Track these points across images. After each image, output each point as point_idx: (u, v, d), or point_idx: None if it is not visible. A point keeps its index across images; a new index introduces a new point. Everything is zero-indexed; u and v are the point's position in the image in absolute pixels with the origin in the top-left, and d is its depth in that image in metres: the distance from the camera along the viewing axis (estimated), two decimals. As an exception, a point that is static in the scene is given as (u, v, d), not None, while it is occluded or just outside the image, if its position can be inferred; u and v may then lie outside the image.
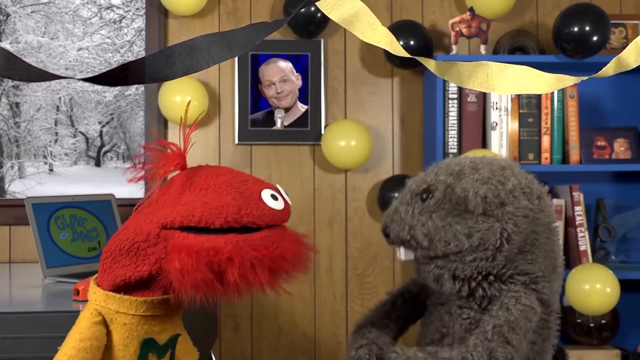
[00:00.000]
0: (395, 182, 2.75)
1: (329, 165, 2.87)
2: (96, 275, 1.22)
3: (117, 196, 2.45)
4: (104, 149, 2.85)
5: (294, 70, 2.86)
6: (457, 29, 2.69)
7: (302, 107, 2.86)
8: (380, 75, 2.91)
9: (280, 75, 2.85)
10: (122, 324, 1.19)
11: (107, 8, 2.82)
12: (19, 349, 1.55)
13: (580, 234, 2.68)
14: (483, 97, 2.71)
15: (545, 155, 2.70)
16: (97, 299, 1.19)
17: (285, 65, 2.86)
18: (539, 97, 2.71)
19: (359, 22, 1.20)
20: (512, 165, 1.52)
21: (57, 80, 2.85)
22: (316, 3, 1.17)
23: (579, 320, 2.78)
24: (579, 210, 2.68)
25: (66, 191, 2.79)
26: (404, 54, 1.23)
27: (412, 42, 2.72)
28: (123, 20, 2.83)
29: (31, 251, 2.70)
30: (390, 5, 2.91)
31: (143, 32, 2.82)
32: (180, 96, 2.68)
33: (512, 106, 2.70)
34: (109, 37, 2.82)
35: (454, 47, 2.70)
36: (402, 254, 1.51)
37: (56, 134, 2.81)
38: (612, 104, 2.92)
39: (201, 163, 1.27)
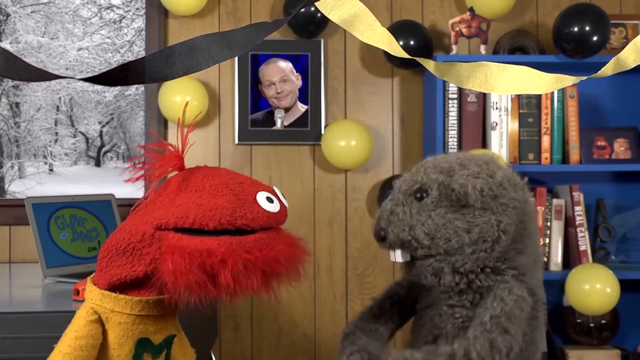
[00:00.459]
0: (395, 182, 2.75)
1: (329, 165, 2.87)
2: (93, 274, 1.23)
3: (117, 196, 2.45)
4: (104, 149, 2.85)
5: (294, 70, 2.86)
6: (457, 29, 2.69)
7: (302, 107, 2.86)
8: (380, 75, 2.91)
9: (280, 75, 2.85)
10: (117, 323, 1.19)
11: (107, 8, 2.82)
12: (19, 349, 1.55)
13: (580, 234, 2.68)
14: (483, 97, 2.71)
15: (545, 155, 2.70)
16: (94, 298, 1.20)
17: (285, 65, 2.86)
18: (539, 97, 2.71)
19: (358, 22, 1.20)
20: (493, 159, 1.54)
21: (57, 80, 2.85)
22: (316, 4, 1.17)
23: (579, 320, 2.78)
24: (579, 210, 2.68)
25: (66, 191, 2.79)
26: (403, 54, 1.23)
27: (412, 42, 2.72)
28: (123, 20, 2.83)
29: (31, 251, 2.70)
30: (390, 5, 2.91)
31: (143, 32, 2.82)
32: (180, 96, 2.68)
33: (512, 106, 2.70)
34: (109, 37, 2.82)
35: (454, 47, 2.70)
36: (398, 255, 1.50)
37: (56, 134, 2.81)
38: (612, 104, 2.91)
39: (201, 163, 1.28)
